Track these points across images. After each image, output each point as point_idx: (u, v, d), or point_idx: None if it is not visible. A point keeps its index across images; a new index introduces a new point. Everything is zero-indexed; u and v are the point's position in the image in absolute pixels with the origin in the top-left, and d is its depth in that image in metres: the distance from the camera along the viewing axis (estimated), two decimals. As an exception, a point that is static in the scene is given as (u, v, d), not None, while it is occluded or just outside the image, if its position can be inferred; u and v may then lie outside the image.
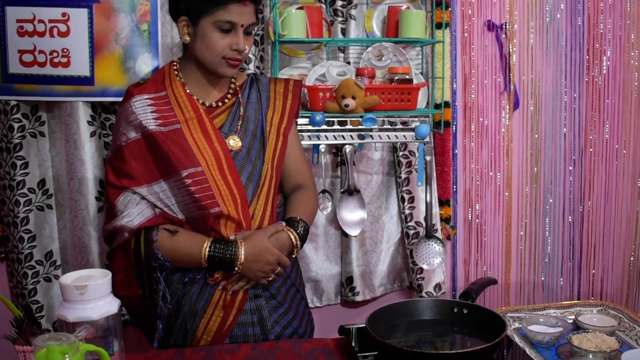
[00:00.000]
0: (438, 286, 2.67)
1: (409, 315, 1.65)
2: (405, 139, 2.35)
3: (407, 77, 2.29)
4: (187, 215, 1.71)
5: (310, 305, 2.57)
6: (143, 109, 1.73)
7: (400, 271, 2.74)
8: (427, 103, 2.49)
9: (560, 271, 2.86)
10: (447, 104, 2.56)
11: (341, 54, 2.49)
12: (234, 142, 1.79)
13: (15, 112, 2.25)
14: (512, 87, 2.68)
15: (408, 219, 2.60)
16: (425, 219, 2.44)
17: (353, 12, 2.45)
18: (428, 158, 2.37)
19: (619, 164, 2.81)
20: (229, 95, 1.85)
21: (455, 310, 1.64)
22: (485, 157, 2.73)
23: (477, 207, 2.75)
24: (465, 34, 2.62)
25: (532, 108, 2.73)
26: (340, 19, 2.45)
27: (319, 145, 2.32)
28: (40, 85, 2.21)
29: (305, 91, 2.24)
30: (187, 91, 1.79)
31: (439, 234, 2.60)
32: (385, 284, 2.70)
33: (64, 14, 2.17)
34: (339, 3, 2.44)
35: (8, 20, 2.16)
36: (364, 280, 2.64)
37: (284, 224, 1.78)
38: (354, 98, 2.15)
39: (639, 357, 1.50)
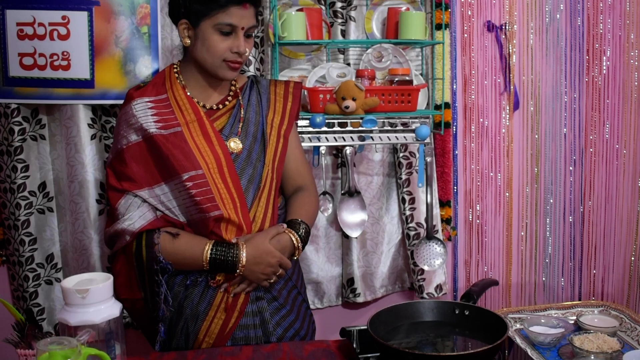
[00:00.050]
0: (439, 287, 2.67)
1: (411, 317, 1.64)
2: (406, 140, 2.35)
3: (407, 78, 2.29)
4: (188, 218, 1.72)
5: (312, 306, 2.58)
6: (144, 112, 1.73)
7: (401, 272, 2.74)
8: (427, 104, 2.50)
9: (561, 271, 2.86)
10: (447, 105, 2.56)
11: (341, 56, 2.49)
12: (235, 144, 1.79)
13: (15, 115, 2.25)
14: (512, 87, 2.68)
15: (409, 220, 2.60)
16: (426, 220, 2.44)
17: (353, 13, 2.45)
18: (428, 159, 2.37)
19: (619, 164, 2.81)
20: (229, 98, 1.85)
21: (457, 312, 1.64)
22: (486, 158, 2.73)
23: (478, 208, 2.75)
24: (465, 35, 2.62)
25: (532, 108, 2.74)
26: (340, 20, 2.45)
27: (319, 147, 2.32)
28: (40, 88, 2.21)
29: (306, 93, 2.24)
30: (188, 94, 1.79)
31: (439, 235, 2.60)
32: (386, 285, 2.70)
33: (64, 17, 2.17)
34: (339, 5, 2.44)
35: (8, 24, 2.16)
36: (365, 282, 2.64)
37: (285, 225, 1.78)
38: (354, 100, 2.15)
39: (641, 358, 1.50)
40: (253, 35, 1.79)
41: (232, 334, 1.74)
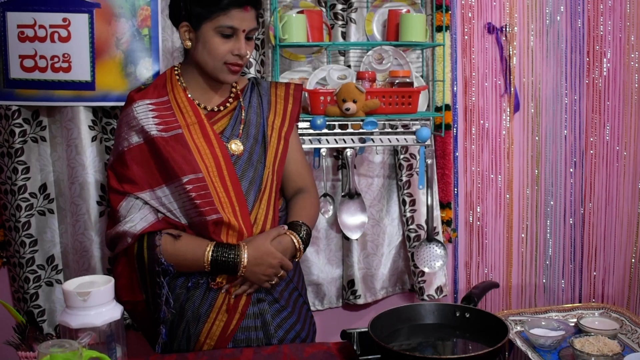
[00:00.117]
0: (439, 289, 2.67)
1: (411, 319, 1.64)
2: (406, 142, 2.35)
3: (407, 80, 2.29)
4: (189, 220, 1.72)
5: (312, 308, 2.58)
6: (145, 114, 1.73)
7: (402, 274, 2.74)
8: (428, 106, 2.50)
9: (562, 273, 2.86)
10: (447, 107, 2.56)
11: (342, 58, 2.50)
12: (236, 146, 1.79)
13: (16, 117, 2.25)
14: (512, 89, 2.68)
15: (409, 222, 2.60)
16: (427, 221, 2.44)
17: (353, 15, 2.45)
18: (429, 161, 2.37)
19: (620, 165, 2.81)
20: (230, 100, 1.86)
21: (458, 315, 1.64)
22: (486, 160, 2.73)
23: (478, 210, 2.75)
24: (466, 37, 2.62)
25: (532, 110, 2.74)
26: (340, 22, 2.45)
27: (320, 148, 2.32)
28: (41, 90, 2.21)
29: (306, 95, 2.24)
30: (189, 96, 1.80)
31: (440, 237, 2.60)
32: (386, 287, 2.70)
33: (64, 19, 2.17)
34: (339, 7, 2.44)
35: (9, 26, 2.17)
36: (366, 284, 2.64)
37: (285, 227, 1.78)
38: (354, 102, 2.15)
39: (642, 361, 1.50)
40: (254, 37, 1.80)
41: (234, 336, 1.74)
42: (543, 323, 1.78)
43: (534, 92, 2.72)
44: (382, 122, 2.34)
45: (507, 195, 2.77)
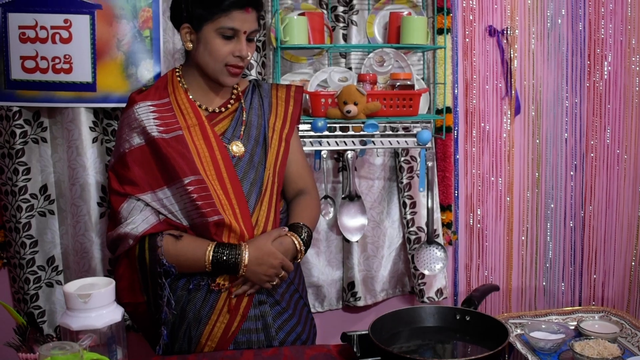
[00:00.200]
0: (439, 291, 2.67)
1: (412, 322, 1.64)
2: (407, 144, 2.35)
3: (408, 82, 2.29)
4: (190, 222, 1.72)
5: (312, 310, 2.58)
6: (146, 116, 1.73)
7: (402, 276, 2.74)
8: (429, 109, 2.50)
9: (562, 276, 2.86)
10: (448, 110, 2.56)
11: (343, 60, 2.50)
12: (237, 147, 1.79)
13: (17, 118, 2.25)
14: (513, 92, 2.68)
15: (409, 224, 2.60)
16: (427, 224, 2.44)
17: (354, 17, 2.45)
18: (430, 163, 2.37)
19: (620, 169, 2.82)
20: (231, 101, 1.86)
21: (458, 318, 1.64)
22: (487, 162, 2.73)
23: (479, 212, 2.75)
24: (467, 40, 2.63)
25: (533, 113, 2.74)
26: (341, 24, 2.45)
27: (320, 151, 2.32)
28: (42, 92, 2.21)
29: (307, 97, 2.24)
30: (190, 97, 1.80)
31: (440, 239, 2.60)
32: (386, 289, 2.70)
33: (65, 21, 2.17)
34: (341, 9, 2.45)
35: (10, 27, 2.17)
36: (366, 286, 2.64)
37: (286, 229, 1.79)
38: (355, 104, 2.15)
39: (642, 365, 1.50)
40: (255, 39, 1.80)
41: (235, 338, 1.74)
42: (543, 326, 1.78)
43: (535, 95, 2.73)
44: (383, 124, 2.35)
45: (508, 198, 2.77)
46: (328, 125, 2.23)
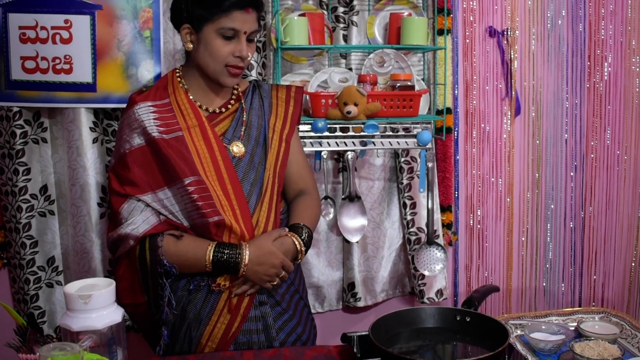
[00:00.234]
0: (439, 292, 2.67)
1: (412, 323, 1.64)
2: (407, 145, 2.35)
3: (409, 83, 2.29)
4: (191, 222, 1.72)
5: (312, 310, 2.57)
6: (146, 116, 1.73)
7: (402, 277, 2.74)
8: (429, 109, 2.50)
9: (562, 277, 2.86)
10: (448, 110, 2.56)
11: (343, 61, 2.50)
12: (238, 148, 1.79)
13: (17, 119, 2.25)
14: (513, 93, 2.69)
15: (410, 225, 2.60)
16: (427, 225, 2.44)
17: (355, 18, 2.45)
18: (430, 164, 2.37)
19: (620, 169, 2.82)
20: (232, 102, 1.86)
21: (458, 319, 1.64)
22: (487, 163, 2.73)
23: (479, 213, 2.75)
24: (467, 41, 2.63)
25: (533, 114, 2.74)
26: (342, 25, 2.45)
27: (321, 151, 2.32)
28: (42, 92, 2.21)
29: (308, 98, 2.24)
30: (191, 97, 1.80)
31: (440, 240, 2.60)
32: (386, 290, 2.70)
33: (66, 21, 2.17)
34: (341, 9, 2.45)
35: (10, 27, 2.17)
36: (366, 286, 2.64)
37: (286, 229, 1.79)
38: (356, 105, 2.15)
39: (642, 366, 1.50)
40: (255, 39, 1.80)
41: (235, 338, 1.74)
42: (543, 327, 1.78)
43: (535, 96, 2.73)
44: (383, 125, 2.34)
45: (508, 199, 2.77)
46: (328, 125, 2.23)
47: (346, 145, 2.30)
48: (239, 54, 1.73)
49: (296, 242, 1.76)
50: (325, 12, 2.43)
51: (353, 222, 2.39)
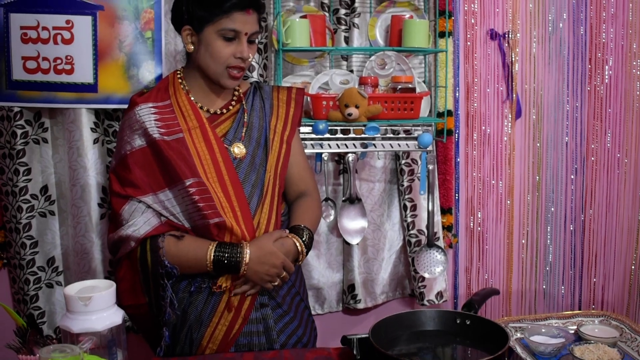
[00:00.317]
0: (439, 294, 2.67)
1: (412, 325, 1.64)
2: (408, 147, 2.35)
3: (410, 85, 2.29)
4: (192, 224, 1.71)
5: (312, 312, 2.57)
6: (147, 117, 1.73)
7: (402, 279, 2.74)
8: (430, 112, 2.50)
9: (562, 280, 2.86)
10: (449, 113, 2.56)
11: (344, 63, 2.50)
12: (239, 149, 1.79)
13: (18, 119, 2.25)
14: (514, 95, 2.69)
15: (410, 227, 2.60)
16: (427, 227, 2.44)
17: (356, 20, 2.46)
18: (430, 166, 2.37)
19: (621, 172, 2.82)
20: (233, 103, 1.86)
21: (458, 322, 1.64)
22: (488, 166, 2.73)
23: (479, 216, 2.75)
24: (468, 43, 2.63)
25: (534, 117, 2.74)
26: (343, 27, 2.46)
27: (321, 153, 2.32)
28: (43, 92, 2.21)
29: (309, 99, 2.24)
30: (192, 99, 1.80)
31: (440, 242, 2.60)
32: (387, 292, 2.70)
33: (67, 21, 2.17)
34: (342, 11, 2.45)
35: (12, 27, 2.17)
36: (366, 288, 2.64)
37: (287, 231, 1.79)
38: (357, 107, 2.15)
39: (642, 370, 1.50)
40: (256, 41, 1.80)
41: (236, 340, 1.74)
42: (543, 330, 1.78)
43: (536, 99, 2.73)
44: (384, 127, 2.35)
45: (508, 201, 2.77)
46: (329, 127, 2.23)
47: (347, 147, 2.30)
48: (239, 55, 1.72)
49: (297, 244, 1.76)
50: (327, 14, 2.43)
51: (353, 224, 2.39)
